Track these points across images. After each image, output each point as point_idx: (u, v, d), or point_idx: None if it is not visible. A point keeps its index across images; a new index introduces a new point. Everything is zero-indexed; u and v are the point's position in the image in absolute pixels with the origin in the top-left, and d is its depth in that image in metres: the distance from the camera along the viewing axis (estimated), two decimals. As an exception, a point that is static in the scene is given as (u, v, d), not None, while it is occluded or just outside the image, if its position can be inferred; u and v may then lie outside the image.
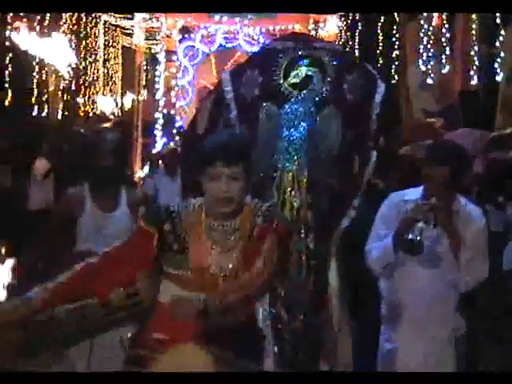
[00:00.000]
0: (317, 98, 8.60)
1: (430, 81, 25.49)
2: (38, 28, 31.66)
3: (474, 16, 23.52)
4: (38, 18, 31.42)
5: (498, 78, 21.36)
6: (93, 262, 5.99)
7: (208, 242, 5.65)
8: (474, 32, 23.44)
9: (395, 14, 26.99)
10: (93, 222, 7.64)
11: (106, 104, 35.73)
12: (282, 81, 8.69)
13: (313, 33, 26.07)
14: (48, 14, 32.88)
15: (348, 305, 8.88)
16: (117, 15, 34.11)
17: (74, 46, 33.22)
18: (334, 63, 8.69)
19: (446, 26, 25.02)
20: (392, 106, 9.55)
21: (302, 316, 8.57)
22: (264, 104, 8.71)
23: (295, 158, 8.60)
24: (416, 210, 7.47)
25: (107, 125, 30.21)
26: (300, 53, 8.92)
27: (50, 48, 29.46)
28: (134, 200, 7.88)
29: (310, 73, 8.67)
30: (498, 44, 22.03)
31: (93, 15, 35.32)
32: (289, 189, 8.48)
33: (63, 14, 33.65)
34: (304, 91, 8.63)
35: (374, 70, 9.08)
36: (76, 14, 34.41)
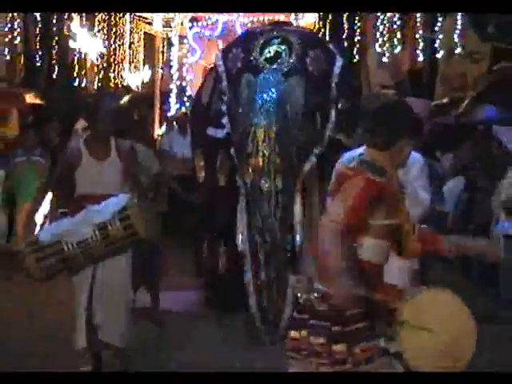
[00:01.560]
0: (285, 69, 9.28)
1: (384, 60, 26.24)
2: (77, 18, 32.51)
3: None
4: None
5: (438, 56, 22.24)
6: None
7: None
8: (418, 20, 24.48)
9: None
10: (88, 169, 7.47)
11: (130, 78, 35.91)
12: (258, 56, 9.41)
13: (294, 22, 26.32)
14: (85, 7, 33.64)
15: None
16: (139, 8, 34.59)
17: (106, 32, 33.79)
18: (299, 42, 9.37)
19: (397, 15, 26.04)
20: (349, 77, 10.13)
21: (271, 239, 9.31)
22: (244, 75, 9.46)
23: (266, 116, 9.23)
24: None
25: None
26: (273, 34, 9.64)
27: (87, 33, 29.98)
28: (122, 149, 7.56)
29: (279, 49, 9.37)
30: (437, 29, 23.20)
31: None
32: (260, 140, 9.15)
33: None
34: (274, 64, 9.34)
35: (334, 48, 9.69)
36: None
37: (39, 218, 7.93)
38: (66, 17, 29.91)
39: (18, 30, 25.83)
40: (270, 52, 9.47)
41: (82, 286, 7.25)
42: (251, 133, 9.34)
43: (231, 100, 9.67)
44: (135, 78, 34.26)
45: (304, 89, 9.32)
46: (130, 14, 31.46)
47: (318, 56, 9.42)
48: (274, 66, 9.38)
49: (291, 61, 9.37)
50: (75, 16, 30.31)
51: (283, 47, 9.44)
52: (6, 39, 24.92)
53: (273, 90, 9.33)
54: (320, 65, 9.42)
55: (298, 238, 9.28)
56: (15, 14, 25.43)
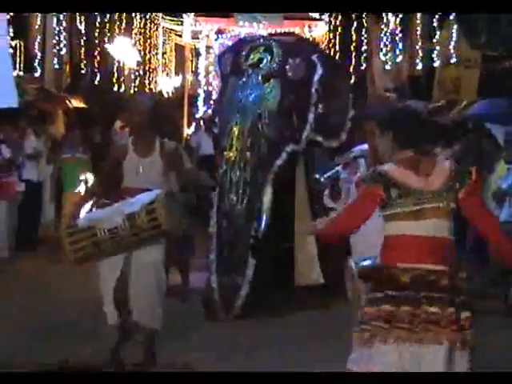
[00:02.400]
0: (263, 74, 9.38)
1: (388, 67, 26.41)
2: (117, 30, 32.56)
3: (418, 21, 24.66)
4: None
5: (435, 65, 22.49)
6: None
7: None
8: (418, 32, 24.52)
9: (363, 21, 27.71)
10: (131, 164, 7.34)
11: (163, 84, 35.90)
12: (243, 61, 9.53)
13: (308, 34, 26.18)
14: (124, 21, 33.80)
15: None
16: (171, 22, 34.68)
17: (141, 43, 33.88)
18: (282, 50, 9.42)
19: (399, 28, 26.02)
20: (331, 85, 9.68)
21: (237, 225, 9.39)
22: (230, 77, 9.65)
23: (242, 114, 9.33)
24: None
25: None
26: (259, 43, 9.80)
27: (125, 44, 30.04)
28: (166, 149, 7.36)
29: (262, 56, 9.45)
30: (434, 40, 23.18)
31: (153, 22, 36.03)
32: (235, 136, 9.28)
33: (134, 21, 34.46)
34: (256, 69, 9.44)
35: (316, 58, 9.59)
36: (143, 21, 35.16)
37: (86, 207, 7.57)
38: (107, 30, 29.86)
39: (65, 41, 25.91)
40: (253, 58, 9.53)
41: (112, 271, 7.13)
42: (228, 129, 9.46)
43: (217, 100, 10.35)
44: (167, 83, 34.17)
45: (280, 92, 9.35)
46: (163, 28, 31.71)
47: (297, 64, 9.41)
48: (256, 70, 9.46)
49: (271, 66, 9.43)
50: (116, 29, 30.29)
51: (266, 54, 9.49)
52: (54, 50, 24.96)
53: (251, 91, 9.41)
54: (299, 72, 9.42)
55: (263, 225, 9.25)
56: (61, 28, 25.53)
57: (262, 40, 10.10)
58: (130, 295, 7.09)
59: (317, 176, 10.36)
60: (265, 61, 9.45)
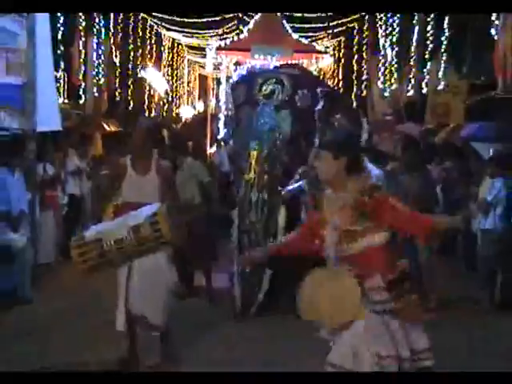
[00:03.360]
0: (276, 104, 9.33)
1: (386, 94, 26.57)
2: (148, 62, 32.83)
3: (411, 52, 24.74)
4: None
5: (425, 91, 22.58)
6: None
7: None
8: (411, 63, 24.63)
9: (364, 53, 27.79)
10: (131, 182, 7.23)
11: (188, 109, 36.17)
12: (257, 92, 9.48)
13: (314, 64, 26.20)
14: (154, 54, 34.05)
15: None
16: (195, 55, 35.09)
17: (169, 73, 34.21)
18: (291, 83, 9.44)
19: (395, 59, 26.12)
20: (330, 115, 9.19)
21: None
22: (245, 106, 9.56)
23: (259, 141, 9.28)
24: None
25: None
26: (270, 75, 9.76)
27: (155, 75, 30.31)
28: (161, 167, 7.21)
29: (274, 88, 9.45)
30: (425, 71, 23.31)
31: (180, 55, 36.38)
32: (253, 160, 9.24)
33: (163, 54, 34.83)
34: (269, 99, 9.40)
35: (320, 92, 9.46)
36: (170, 55, 35.52)
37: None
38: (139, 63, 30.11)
39: (103, 72, 26.14)
40: (266, 90, 9.49)
41: (121, 279, 7.04)
42: (246, 154, 9.41)
43: (234, 127, 9.90)
44: (191, 109, 34.43)
45: (291, 120, 9.34)
46: (188, 61, 32.09)
47: (305, 95, 9.41)
48: (269, 101, 9.42)
49: (283, 98, 9.42)
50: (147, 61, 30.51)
51: (277, 86, 9.46)
52: (94, 80, 25.18)
53: (266, 120, 9.35)
54: (307, 102, 9.40)
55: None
56: (100, 61, 25.76)
57: (271, 72, 10.08)
58: (132, 300, 6.98)
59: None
60: (277, 92, 9.43)
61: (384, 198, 4.88)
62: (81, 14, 23.96)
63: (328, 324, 4.81)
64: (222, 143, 20.80)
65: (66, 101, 23.62)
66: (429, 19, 23.05)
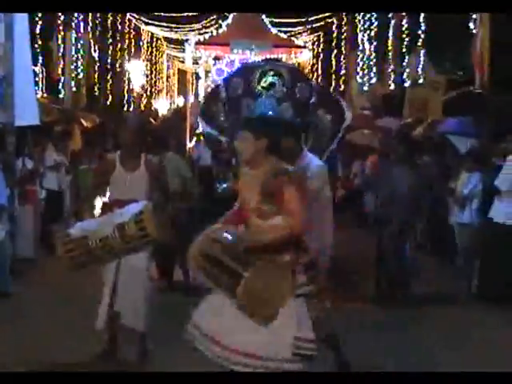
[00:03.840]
0: (278, 96, 9.07)
1: (365, 88, 26.68)
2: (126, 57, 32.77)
3: (389, 47, 24.81)
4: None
5: (406, 85, 22.67)
6: None
7: None
8: (390, 57, 24.68)
9: (342, 48, 27.85)
10: (119, 178, 7.18)
11: (166, 104, 36.01)
12: (256, 84, 9.30)
13: (294, 59, 26.18)
14: (133, 49, 33.97)
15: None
16: (174, 50, 35.02)
17: (149, 68, 34.07)
18: (290, 75, 9.29)
19: (373, 54, 26.18)
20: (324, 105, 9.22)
21: None
22: (244, 99, 9.28)
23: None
24: None
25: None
26: (268, 67, 9.49)
27: (133, 69, 30.15)
28: (151, 164, 7.19)
29: (273, 80, 9.25)
30: (404, 64, 23.37)
31: (159, 50, 36.31)
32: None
33: (142, 50, 34.73)
34: (270, 91, 9.18)
35: (315, 84, 9.75)
36: (149, 50, 35.43)
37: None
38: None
39: (81, 67, 26.07)
40: (265, 82, 9.29)
41: (108, 275, 6.97)
42: None
43: (232, 120, 9.35)
44: (169, 104, 34.33)
45: (292, 112, 9.08)
46: (167, 55, 31.96)
47: (303, 87, 9.22)
48: (270, 93, 9.17)
49: (283, 89, 9.21)
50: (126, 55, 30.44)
51: (276, 78, 9.26)
52: (73, 75, 25.09)
53: (268, 112, 8.57)
54: (306, 94, 9.22)
55: None
56: (79, 55, 25.70)
57: (269, 65, 9.80)
58: (116, 297, 6.92)
59: None
60: (277, 84, 9.25)
61: (287, 183, 4.99)
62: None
63: (264, 311, 4.84)
64: (202, 137, 20.63)
65: (45, 95, 23.52)
66: (404, 13, 23.14)
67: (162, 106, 37.20)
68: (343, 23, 30.47)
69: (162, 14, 30.32)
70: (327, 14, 30.19)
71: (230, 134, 9.44)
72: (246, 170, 5.18)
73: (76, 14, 25.84)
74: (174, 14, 30.20)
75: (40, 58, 22.73)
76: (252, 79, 9.43)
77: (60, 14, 24.35)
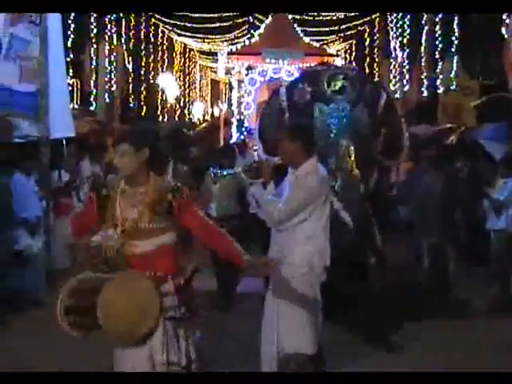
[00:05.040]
0: (351, 99, 8.96)
1: (397, 95, 26.62)
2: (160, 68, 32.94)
3: (422, 54, 24.75)
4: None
5: (439, 91, 22.59)
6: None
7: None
8: (423, 64, 24.65)
9: (375, 55, 27.80)
10: None
11: (200, 113, 36.05)
12: (326, 89, 9.05)
13: None
14: (166, 60, 34.15)
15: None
16: (207, 60, 35.32)
17: (182, 79, 34.16)
18: (358, 78, 9.24)
19: (406, 61, 26.14)
20: (391, 107, 9.38)
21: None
22: (316, 104, 9.00)
23: (343, 135, 8.79)
24: None
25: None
26: (334, 71, 9.41)
27: (167, 80, 30.33)
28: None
29: (343, 83, 9.05)
30: (438, 71, 23.30)
31: (192, 60, 36.54)
32: (340, 157, 8.64)
33: (176, 61, 34.94)
34: (342, 95, 8.99)
35: (381, 84, 9.49)
36: (182, 61, 35.61)
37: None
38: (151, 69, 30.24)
39: (115, 79, 26.26)
40: (336, 85, 9.08)
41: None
42: (330, 146, 8.77)
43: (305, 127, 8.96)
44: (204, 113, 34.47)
45: (366, 114, 8.97)
46: (200, 66, 32.21)
47: (372, 89, 9.18)
48: (342, 97, 9.02)
49: (354, 93, 9.05)
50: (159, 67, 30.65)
51: (346, 82, 9.08)
52: (106, 86, 25.28)
53: (343, 115, 8.95)
54: (374, 96, 9.10)
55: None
56: (113, 67, 25.88)
57: (334, 70, 9.66)
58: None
59: None
60: (348, 88, 9.06)
61: (188, 201, 4.82)
62: (92, 20, 24.13)
63: (128, 336, 4.66)
64: (235, 147, 20.77)
65: (79, 107, 23.71)
66: (437, 19, 23.08)
67: (195, 115, 37.37)
68: (375, 31, 30.43)
69: (195, 25, 30.47)
70: (359, 22, 30.19)
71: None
72: (126, 188, 4.86)
73: (109, 26, 26.07)
74: (207, 25, 30.37)
75: (74, 69, 22.92)
76: (320, 84, 9.19)
77: (93, 26, 24.57)
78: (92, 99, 24.73)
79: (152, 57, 33.07)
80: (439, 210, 9.92)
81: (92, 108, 24.57)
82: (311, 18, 28.43)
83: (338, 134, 8.91)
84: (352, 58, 32.42)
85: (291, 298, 5.80)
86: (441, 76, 22.71)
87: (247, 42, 28.29)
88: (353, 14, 28.34)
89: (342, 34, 31.67)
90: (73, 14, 22.36)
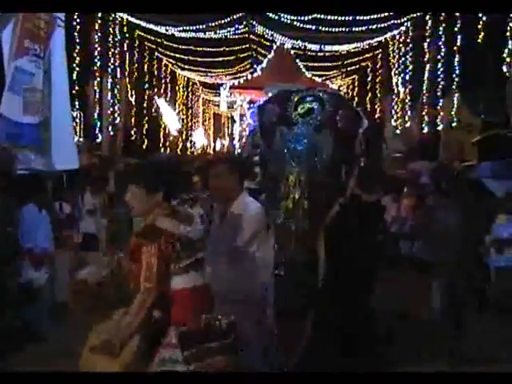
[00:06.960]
0: (316, 124, 7.98)
1: (398, 132, 26.64)
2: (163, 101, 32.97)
3: (424, 90, 24.84)
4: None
5: (439, 128, 22.66)
6: None
7: None
8: (423, 101, 24.74)
9: (377, 91, 27.87)
10: None
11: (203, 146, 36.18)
12: (292, 111, 8.16)
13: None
14: (169, 93, 34.23)
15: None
16: (210, 94, 35.36)
17: (184, 112, 34.24)
18: (331, 101, 8.18)
19: (408, 98, 26.23)
20: (373, 137, 8.44)
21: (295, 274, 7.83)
22: (278, 127, 8.18)
23: (298, 164, 8.00)
24: None
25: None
26: (306, 93, 8.39)
27: (170, 114, 30.39)
28: None
29: (312, 106, 8.11)
30: (438, 108, 23.39)
31: (194, 94, 36.55)
32: (292, 185, 7.95)
33: (178, 94, 35.05)
34: (307, 118, 8.05)
35: (361, 111, 8.18)
36: (184, 94, 35.72)
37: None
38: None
39: (118, 112, 26.36)
40: (303, 108, 8.23)
41: None
42: (283, 178, 8.08)
43: (264, 150, 8.44)
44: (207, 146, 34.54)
45: (332, 142, 8.07)
46: (203, 99, 32.28)
47: (347, 115, 8.16)
48: (307, 120, 8.15)
49: (323, 117, 8.14)
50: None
51: (315, 104, 8.21)
52: (109, 119, 25.38)
53: (305, 141, 8.12)
54: (348, 123, 8.14)
55: (320, 275, 7.95)
56: (115, 100, 25.99)
57: (307, 91, 8.75)
58: None
59: None
60: (316, 111, 8.24)
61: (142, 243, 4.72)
62: (96, 53, 24.28)
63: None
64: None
65: (82, 140, 23.77)
66: (439, 57, 23.20)
67: (198, 148, 37.43)
68: (377, 66, 30.55)
69: (198, 59, 30.60)
70: (362, 58, 30.30)
71: (268, 171, 8.60)
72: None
73: (112, 60, 26.19)
74: (210, 59, 30.49)
75: (77, 102, 23.02)
76: (288, 105, 8.45)
77: (96, 59, 24.72)
78: (97, 131, 24.82)
79: (155, 90, 33.19)
80: (459, 246, 9.66)
81: (98, 140, 24.67)
82: (313, 53, 28.51)
83: (294, 161, 8.16)
84: (354, 94, 32.46)
85: None
86: (442, 113, 22.75)
87: (249, 77, 28.45)
88: (355, 49, 28.41)
89: (344, 70, 31.78)
90: (78, 47, 22.52)
